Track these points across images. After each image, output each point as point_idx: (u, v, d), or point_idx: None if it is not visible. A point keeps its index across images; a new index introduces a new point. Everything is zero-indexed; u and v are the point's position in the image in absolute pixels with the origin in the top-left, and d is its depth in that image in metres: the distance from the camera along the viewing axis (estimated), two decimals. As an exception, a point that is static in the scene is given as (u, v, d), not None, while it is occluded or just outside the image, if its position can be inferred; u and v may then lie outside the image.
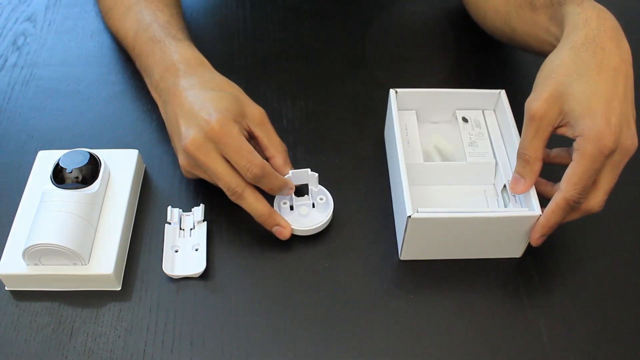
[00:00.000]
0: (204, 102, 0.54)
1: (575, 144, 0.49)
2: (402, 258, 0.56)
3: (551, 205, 0.51)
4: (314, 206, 0.58)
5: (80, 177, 0.54)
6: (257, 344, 0.51)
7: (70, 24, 0.77)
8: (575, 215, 0.52)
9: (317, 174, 0.57)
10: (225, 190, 0.54)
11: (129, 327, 0.52)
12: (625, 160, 0.50)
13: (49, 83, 0.71)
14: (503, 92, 0.61)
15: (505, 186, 0.57)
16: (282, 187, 0.55)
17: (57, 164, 0.55)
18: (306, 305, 0.53)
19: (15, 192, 0.58)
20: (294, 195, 0.58)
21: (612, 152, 0.48)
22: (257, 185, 0.54)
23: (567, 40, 0.52)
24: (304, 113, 0.68)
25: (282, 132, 0.62)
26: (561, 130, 0.51)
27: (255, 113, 0.57)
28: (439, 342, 0.52)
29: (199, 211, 0.57)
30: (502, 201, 0.58)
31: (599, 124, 0.48)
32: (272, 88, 0.70)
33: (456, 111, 0.63)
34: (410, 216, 0.51)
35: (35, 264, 0.52)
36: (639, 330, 0.53)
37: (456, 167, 0.59)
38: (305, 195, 0.58)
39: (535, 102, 0.50)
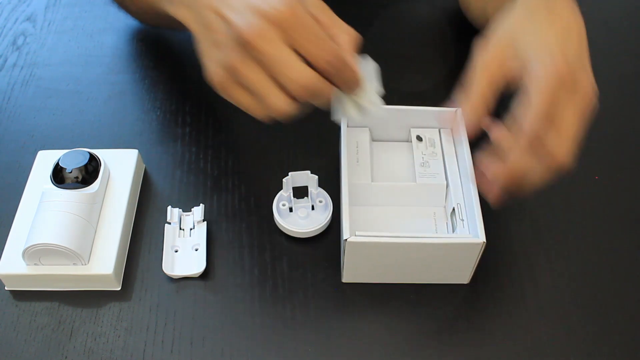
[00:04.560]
0: None
1: (528, 84, 0.47)
2: (343, 280, 0.55)
3: (514, 151, 0.46)
4: (313, 208, 0.58)
5: (80, 177, 0.54)
6: (257, 344, 0.51)
7: (70, 24, 0.77)
8: (544, 173, 0.47)
9: (316, 176, 0.57)
10: (296, 88, 0.45)
11: (129, 327, 0.52)
12: (587, 106, 0.47)
13: (49, 83, 0.71)
14: (459, 110, 0.57)
15: (454, 210, 0.54)
16: (356, 81, 0.47)
17: (57, 164, 0.55)
18: (306, 305, 0.53)
19: (15, 192, 0.58)
20: (293, 197, 0.58)
21: (569, 85, 0.46)
22: (332, 78, 0.46)
23: (520, 2, 0.53)
24: (304, 113, 0.68)
25: (282, 132, 0.61)
26: (512, 75, 0.49)
27: None
28: (439, 344, 0.52)
29: (199, 211, 0.57)
30: (451, 224, 0.56)
31: (555, 56, 0.46)
32: (272, 88, 0.70)
33: (411, 129, 0.61)
34: (346, 239, 0.49)
35: (35, 264, 0.52)
36: (639, 330, 0.53)
37: (404, 188, 0.57)
38: (305, 197, 0.58)
39: (484, 45, 0.50)
